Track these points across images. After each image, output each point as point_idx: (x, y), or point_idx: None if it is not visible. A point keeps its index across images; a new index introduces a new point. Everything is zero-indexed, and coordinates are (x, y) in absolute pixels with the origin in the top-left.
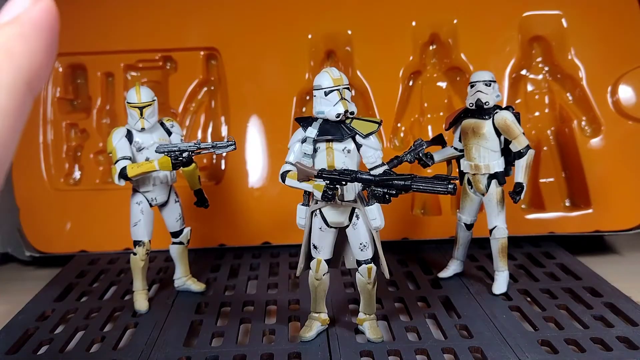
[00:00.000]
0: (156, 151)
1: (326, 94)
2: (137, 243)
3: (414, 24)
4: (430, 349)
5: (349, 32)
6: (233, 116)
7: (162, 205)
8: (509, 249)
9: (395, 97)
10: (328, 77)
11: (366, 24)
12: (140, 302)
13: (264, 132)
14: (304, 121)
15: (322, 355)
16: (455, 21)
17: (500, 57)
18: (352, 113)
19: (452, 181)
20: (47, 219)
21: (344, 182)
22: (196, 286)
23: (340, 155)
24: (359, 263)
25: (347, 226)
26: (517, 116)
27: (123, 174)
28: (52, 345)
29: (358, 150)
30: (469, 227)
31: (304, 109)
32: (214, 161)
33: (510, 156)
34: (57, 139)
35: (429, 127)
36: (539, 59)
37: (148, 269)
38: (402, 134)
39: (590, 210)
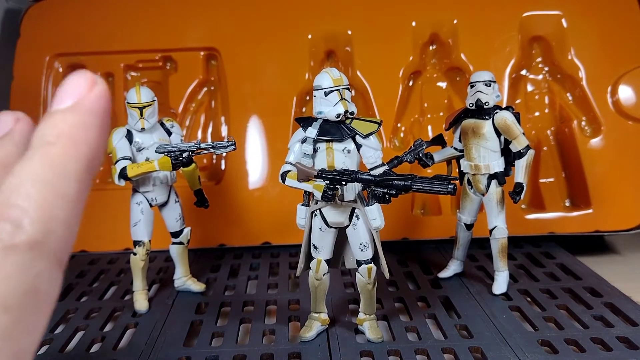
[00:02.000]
0: (156, 151)
1: (326, 94)
2: (137, 243)
3: (414, 24)
4: (430, 349)
5: (349, 32)
6: (233, 116)
7: (162, 206)
8: (509, 249)
9: (395, 97)
10: (328, 77)
11: (366, 24)
12: (140, 302)
13: (264, 132)
14: (304, 121)
15: (322, 355)
16: (455, 21)
17: (500, 57)
18: (352, 113)
19: (452, 181)
20: None
21: (344, 183)
22: (196, 286)
23: (340, 156)
24: (359, 263)
25: (347, 226)
26: (517, 116)
27: (123, 174)
28: (52, 345)
29: (358, 150)
30: (469, 227)
31: (304, 109)
32: (214, 161)
33: (510, 156)
34: None
35: (429, 127)
36: (539, 59)
37: (148, 269)
38: (402, 134)
39: (590, 210)
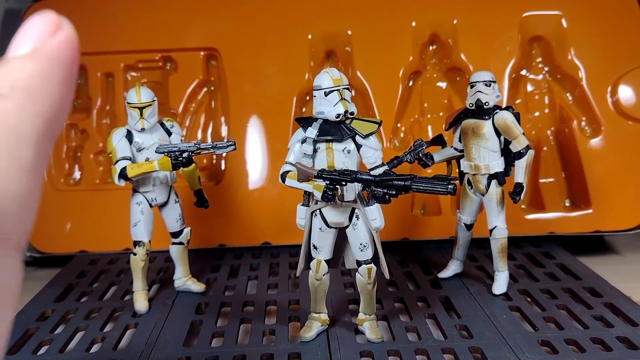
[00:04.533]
0: (156, 151)
1: (326, 94)
2: (137, 243)
3: (414, 24)
4: (430, 349)
5: (349, 32)
6: (233, 116)
7: (162, 206)
8: (509, 249)
9: (395, 97)
10: (328, 77)
11: (366, 24)
12: (140, 302)
13: (264, 132)
14: (304, 121)
15: (322, 356)
16: (455, 21)
17: (500, 57)
18: (352, 113)
19: (452, 181)
20: (47, 219)
21: (343, 183)
22: (196, 286)
23: (340, 156)
24: (359, 263)
25: (347, 226)
26: (517, 116)
27: (123, 174)
28: (52, 346)
29: (358, 150)
30: (468, 227)
31: (304, 109)
32: (214, 161)
33: (510, 156)
34: (57, 139)
35: (429, 128)
36: (539, 59)
37: (148, 269)
38: (402, 134)
39: (590, 210)
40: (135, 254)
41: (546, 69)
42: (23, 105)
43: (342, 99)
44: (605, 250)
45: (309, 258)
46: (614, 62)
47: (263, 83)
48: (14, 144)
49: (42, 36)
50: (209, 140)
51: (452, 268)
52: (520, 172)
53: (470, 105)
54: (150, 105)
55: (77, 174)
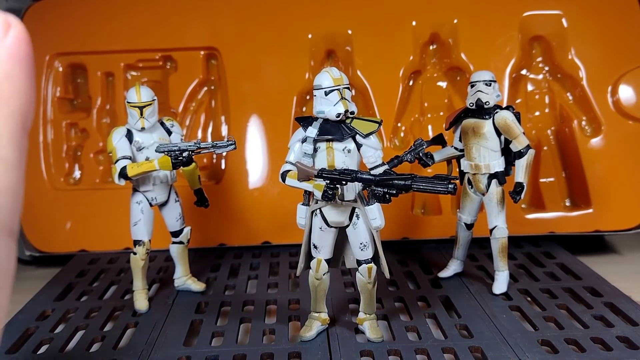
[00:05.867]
0: (156, 151)
1: (326, 93)
2: (137, 242)
3: (414, 23)
4: (430, 348)
5: (349, 32)
6: (233, 116)
7: (162, 205)
8: (509, 249)
9: (396, 96)
10: (328, 76)
11: (366, 24)
12: (141, 301)
13: (264, 131)
14: (304, 121)
15: (322, 355)
16: (455, 21)
17: (501, 56)
18: (352, 113)
19: (452, 181)
20: (47, 219)
21: (344, 182)
22: (196, 286)
23: (340, 155)
24: (359, 263)
25: (348, 226)
26: (517, 116)
27: (123, 174)
28: (52, 345)
29: (358, 150)
30: (469, 226)
31: (304, 109)
32: (214, 161)
33: (510, 156)
34: (57, 139)
35: (429, 127)
36: (539, 59)
37: (148, 269)
38: (402, 134)
39: (590, 210)
40: (135, 253)
41: (546, 68)
42: None
43: (342, 98)
44: (606, 250)
45: (309, 257)
46: (614, 61)
47: (263, 82)
48: None
49: None
50: (209, 139)
51: (452, 267)
52: (521, 171)
53: (471, 104)
54: (150, 104)
55: (77, 173)
